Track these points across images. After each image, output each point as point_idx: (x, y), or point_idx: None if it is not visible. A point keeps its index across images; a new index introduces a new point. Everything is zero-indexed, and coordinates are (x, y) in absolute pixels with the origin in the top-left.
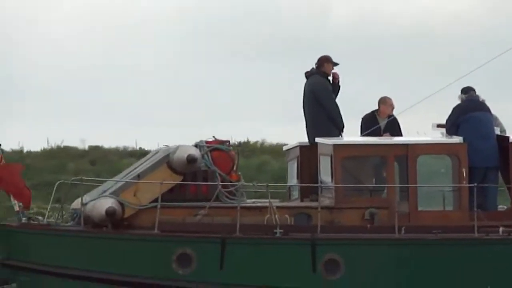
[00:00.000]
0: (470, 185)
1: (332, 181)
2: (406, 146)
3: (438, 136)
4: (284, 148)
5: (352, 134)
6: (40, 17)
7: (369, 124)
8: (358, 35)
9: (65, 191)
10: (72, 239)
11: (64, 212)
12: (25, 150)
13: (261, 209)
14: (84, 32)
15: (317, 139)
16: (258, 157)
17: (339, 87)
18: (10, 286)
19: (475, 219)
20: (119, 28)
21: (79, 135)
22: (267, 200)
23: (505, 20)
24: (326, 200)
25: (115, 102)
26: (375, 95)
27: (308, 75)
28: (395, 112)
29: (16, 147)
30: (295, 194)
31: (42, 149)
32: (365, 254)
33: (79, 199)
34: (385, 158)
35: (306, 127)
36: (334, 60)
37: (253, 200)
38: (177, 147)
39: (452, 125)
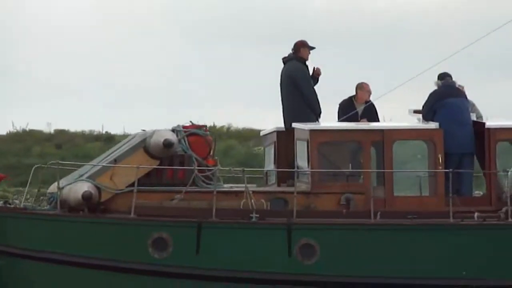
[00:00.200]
0: (446, 170)
1: (308, 166)
2: (382, 131)
3: (415, 122)
4: (261, 133)
5: (329, 119)
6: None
7: (347, 109)
8: (337, 19)
9: (34, 174)
10: (49, 223)
11: (30, 197)
12: None
13: (237, 194)
14: (51, 14)
15: (294, 124)
16: (225, 141)
17: (317, 80)
18: None
19: (450, 204)
20: (85, 13)
21: (45, 119)
22: (243, 185)
23: (485, 5)
24: (303, 185)
25: (82, 86)
26: (352, 80)
27: (285, 60)
28: (372, 98)
29: None
30: (272, 179)
31: (8, 132)
32: (340, 239)
33: (56, 183)
34: (361, 144)
35: (283, 112)
36: (310, 44)
37: (230, 185)
38: (154, 132)
39: (429, 111)
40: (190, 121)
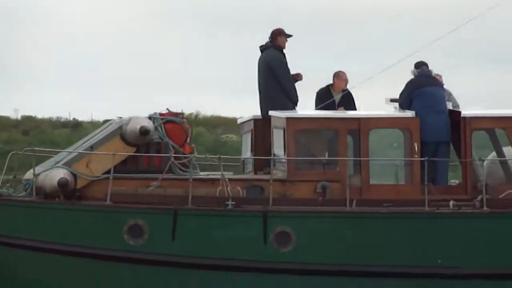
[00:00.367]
0: (422, 159)
1: (284, 154)
2: (358, 120)
3: (392, 111)
4: (239, 121)
5: (307, 108)
6: None
7: (324, 98)
8: (315, 8)
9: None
10: (24, 210)
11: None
12: None
13: (214, 181)
14: (18, 1)
15: (271, 112)
16: (193, 128)
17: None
18: None
19: (426, 193)
20: (55, 1)
21: (12, 105)
22: (220, 173)
23: None
24: (279, 173)
25: (49, 72)
26: (330, 69)
27: (262, 48)
28: (349, 86)
29: None
30: (249, 167)
31: None
32: (316, 226)
33: (32, 170)
34: (338, 132)
35: (260, 100)
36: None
37: (207, 172)
38: (130, 119)
39: (405, 99)
40: (167, 109)
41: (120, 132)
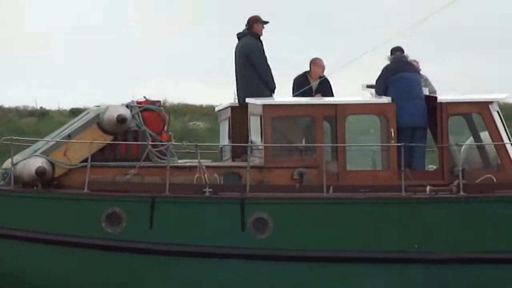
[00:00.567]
0: (398, 144)
1: (261, 141)
2: (335, 106)
3: (368, 97)
4: (216, 109)
5: (284, 95)
6: None
7: (301, 85)
8: None
9: None
10: (2, 199)
11: None
12: None
13: (191, 169)
14: None
15: (247, 99)
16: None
17: None
18: None
19: (403, 178)
20: None
21: None
22: (197, 160)
23: None
24: (256, 160)
25: (15, 60)
26: (307, 56)
27: (239, 36)
28: (326, 73)
29: None
30: (227, 154)
31: None
32: (293, 213)
33: (10, 159)
34: (314, 118)
35: (237, 88)
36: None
37: (185, 160)
38: (107, 107)
39: (381, 86)
40: (144, 97)
41: (97, 121)
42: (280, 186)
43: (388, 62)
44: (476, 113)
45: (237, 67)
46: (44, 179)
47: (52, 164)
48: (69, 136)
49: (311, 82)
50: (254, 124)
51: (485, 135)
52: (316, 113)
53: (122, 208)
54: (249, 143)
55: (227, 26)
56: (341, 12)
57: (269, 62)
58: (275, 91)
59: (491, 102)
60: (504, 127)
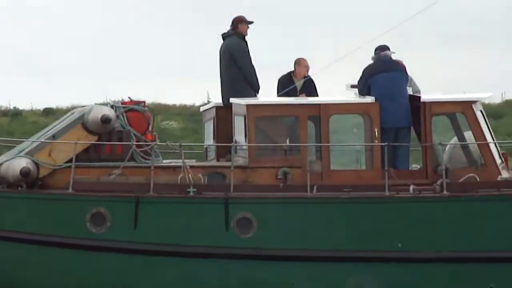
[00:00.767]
0: (382, 144)
1: (245, 141)
2: (318, 106)
3: (353, 96)
4: (201, 109)
5: (269, 95)
6: None
7: (286, 85)
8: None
9: None
10: None
11: None
12: None
13: (175, 169)
14: None
15: (231, 99)
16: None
17: None
18: None
19: (386, 177)
20: None
21: None
22: (181, 160)
23: None
24: (240, 159)
25: None
26: (291, 56)
27: (224, 36)
28: (310, 73)
29: None
30: (212, 154)
31: None
32: (277, 212)
33: None
34: (298, 118)
35: (221, 88)
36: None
37: (169, 160)
38: (92, 108)
39: (363, 86)
40: (129, 97)
41: (82, 121)
42: (264, 186)
43: (372, 62)
44: (459, 112)
45: (221, 67)
46: (28, 180)
47: (36, 164)
48: (53, 137)
49: (296, 82)
50: (238, 124)
51: (469, 134)
52: (300, 113)
53: (107, 208)
54: (233, 143)
55: (201, 26)
56: (328, 12)
57: (253, 62)
58: (260, 91)
59: (474, 102)
60: (488, 126)
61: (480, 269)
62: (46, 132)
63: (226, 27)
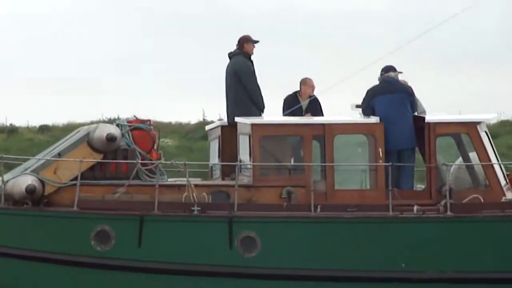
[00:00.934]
0: (386, 164)
1: (250, 160)
2: (323, 125)
3: (358, 116)
4: (207, 128)
5: (274, 114)
6: None
7: (291, 104)
8: (281, 14)
9: None
10: None
11: None
12: None
13: (180, 187)
14: None
15: (236, 119)
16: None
17: None
18: None
19: (390, 197)
20: None
21: None
22: (185, 179)
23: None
24: (245, 178)
25: None
26: (297, 76)
27: (231, 55)
28: (315, 93)
29: None
30: (217, 173)
31: None
32: (281, 231)
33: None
34: (303, 138)
35: (227, 107)
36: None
37: (175, 179)
38: (97, 126)
39: (366, 107)
40: (134, 116)
41: (87, 139)
42: (268, 205)
43: (377, 82)
44: (464, 133)
45: (227, 86)
46: (34, 197)
47: (42, 182)
48: (59, 155)
49: (301, 101)
50: (243, 143)
51: (474, 155)
52: (304, 133)
53: (111, 226)
54: (238, 162)
55: (198, 46)
56: (333, 31)
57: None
58: (265, 111)
59: (479, 123)
60: (493, 147)
61: None
62: (52, 150)
63: (223, 46)
